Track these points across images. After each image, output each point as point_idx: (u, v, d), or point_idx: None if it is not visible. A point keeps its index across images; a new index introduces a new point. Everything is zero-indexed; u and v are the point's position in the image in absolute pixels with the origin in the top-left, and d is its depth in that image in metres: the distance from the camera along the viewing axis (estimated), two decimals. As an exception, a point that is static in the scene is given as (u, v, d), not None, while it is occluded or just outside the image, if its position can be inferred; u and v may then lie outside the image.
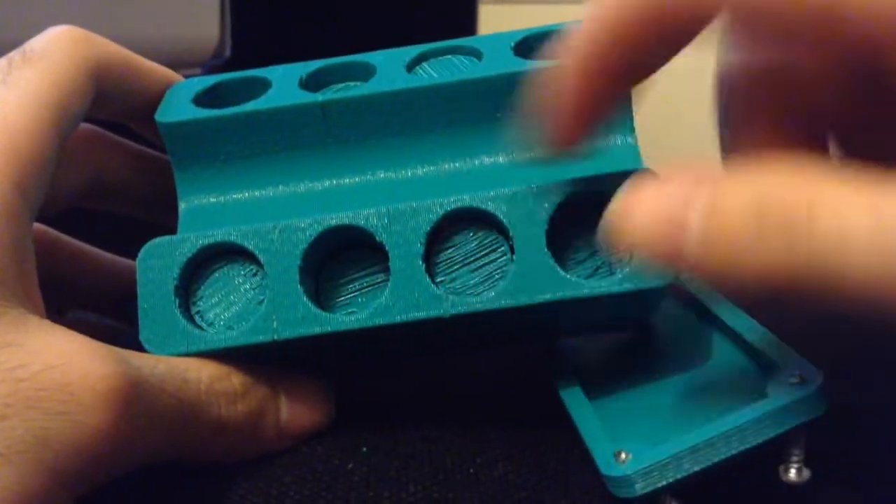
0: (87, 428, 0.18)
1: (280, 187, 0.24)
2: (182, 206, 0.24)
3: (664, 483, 0.19)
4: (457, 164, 0.24)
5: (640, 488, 0.19)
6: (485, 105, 0.23)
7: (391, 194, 0.23)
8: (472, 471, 0.21)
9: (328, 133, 0.24)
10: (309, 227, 0.22)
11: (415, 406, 0.23)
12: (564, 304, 0.21)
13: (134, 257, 0.23)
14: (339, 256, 0.23)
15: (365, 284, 0.22)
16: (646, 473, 0.19)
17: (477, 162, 0.24)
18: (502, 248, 0.22)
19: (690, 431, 0.20)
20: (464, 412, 0.25)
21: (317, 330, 0.21)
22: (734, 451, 0.19)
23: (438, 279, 0.22)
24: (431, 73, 0.24)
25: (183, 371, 0.21)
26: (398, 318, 0.21)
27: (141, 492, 0.21)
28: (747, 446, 0.19)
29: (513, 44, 0.24)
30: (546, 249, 0.21)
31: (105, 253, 0.30)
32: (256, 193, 0.24)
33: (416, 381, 0.24)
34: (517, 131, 0.22)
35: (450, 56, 0.25)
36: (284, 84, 0.24)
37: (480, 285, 0.22)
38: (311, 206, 0.23)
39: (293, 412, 0.23)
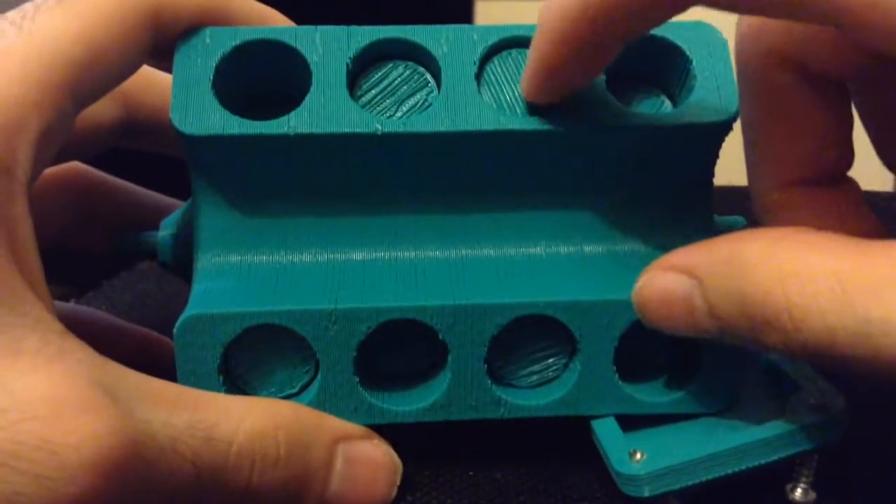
0: (68, 498, 0.15)
1: (321, 216, 0.21)
2: (204, 224, 0.21)
3: (675, 488, 0.19)
4: (528, 225, 0.21)
5: (650, 490, 0.19)
6: (566, 157, 0.21)
7: (448, 257, 0.21)
8: (471, 473, 0.21)
9: (382, 163, 0.21)
10: (367, 317, 0.20)
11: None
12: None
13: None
14: (392, 334, 0.21)
15: (420, 371, 0.21)
16: (658, 476, 0.19)
17: (547, 223, 0.21)
18: (562, 356, 0.21)
19: (707, 441, 0.20)
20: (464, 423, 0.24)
21: (368, 422, 0.20)
22: (746, 466, 0.19)
23: (496, 372, 0.21)
24: (504, 88, 0.21)
25: (211, 426, 0.18)
26: (453, 418, 0.20)
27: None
28: (759, 463, 0.19)
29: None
30: (612, 366, 0.21)
31: (145, 190, 0.26)
32: (293, 230, 0.21)
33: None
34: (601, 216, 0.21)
35: (526, 51, 0.21)
36: (328, 76, 0.20)
37: (535, 379, 0.21)
38: (358, 260, 0.21)
39: (348, 484, 0.20)
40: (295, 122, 0.20)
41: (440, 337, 0.20)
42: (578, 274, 0.21)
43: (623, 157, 0.21)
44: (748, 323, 0.17)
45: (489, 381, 0.20)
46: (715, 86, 0.21)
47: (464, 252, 0.21)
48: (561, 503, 0.20)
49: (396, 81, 0.21)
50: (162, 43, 0.20)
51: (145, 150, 0.25)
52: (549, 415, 0.21)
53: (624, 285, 0.20)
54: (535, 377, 0.21)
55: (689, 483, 0.19)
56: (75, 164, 0.24)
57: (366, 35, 0.21)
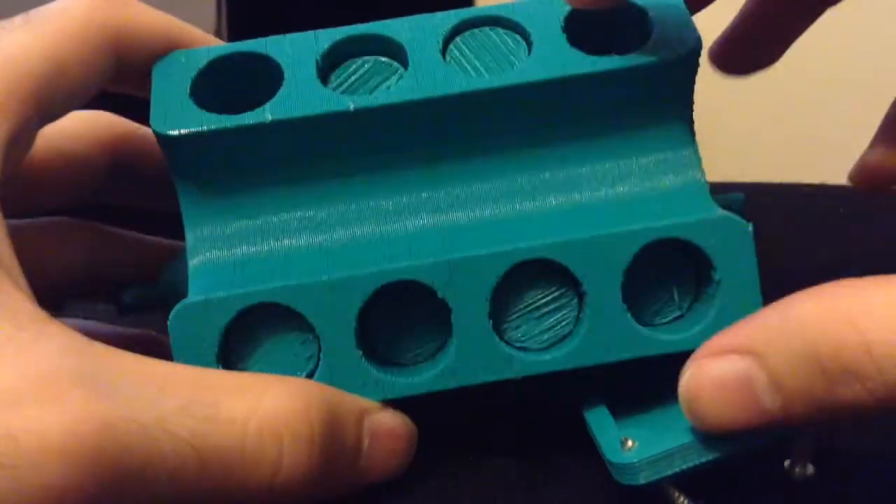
0: (39, 489, 0.14)
1: (312, 208, 0.21)
2: (190, 235, 0.21)
3: (669, 473, 0.19)
4: (503, 184, 0.21)
5: (645, 477, 0.19)
6: (539, 112, 0.21)
7: (438, 222, 0.21)
8: (471, 458, 0.21)
9: (357, 143, 0.21)
10: (362, 282, 0.19)
11: (417, 400, 0.22)
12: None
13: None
14: (389, 301, 0.20)
15: (424, 340, 0.21)
16: (651, 462, 0.19)
17: (533, 180, 0.21)
18: (570, 299, 0.20)
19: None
20: (464, 405, 0.24)
21: (378, 397, 0.20)
22: (740, 448, 0.19)
23: (502, 331, 0.20)
24: (471, 60, 0.21)
25: (211, 405, 0.17)
26: (465, 382, 0.20)
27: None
28: (755, 444, 0.19)
29: (561, 21, 0.21)
30: (622, 304, 0.20)
31: (144, 236, 0.26)
32: (278, 217, 0.21)
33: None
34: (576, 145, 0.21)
35: (488, 29, 0.21)
36: (299, 72, 0.21)
37: (547, 337, 0.20)
38: (346, 235, 0.21)
39: (374, 457, 0.19)
40: (271, 111, 0.20)
41: (439, 295, 0.19)
42: (571, 218, 0.21)
43: (595, 104, 0.21)
44: (823, 380, 0.16)
45: (496, 338, 0.20)
46: (674, 23, 0.21)
47: (452, 214, 0.21)
48: (559, 490, 0.20)
49: (366, 73, 0.22)
50: (125, 67, 0.21)
51: (132, 204, 0.26)
52: (565, 368, 0.20)
53: (619, 222, 0.20)
54: (546, 336, 0.20)
55: (684, 467, 0.19)
56: (102, 114, 0.24)
57: (332, 34, 0.22)
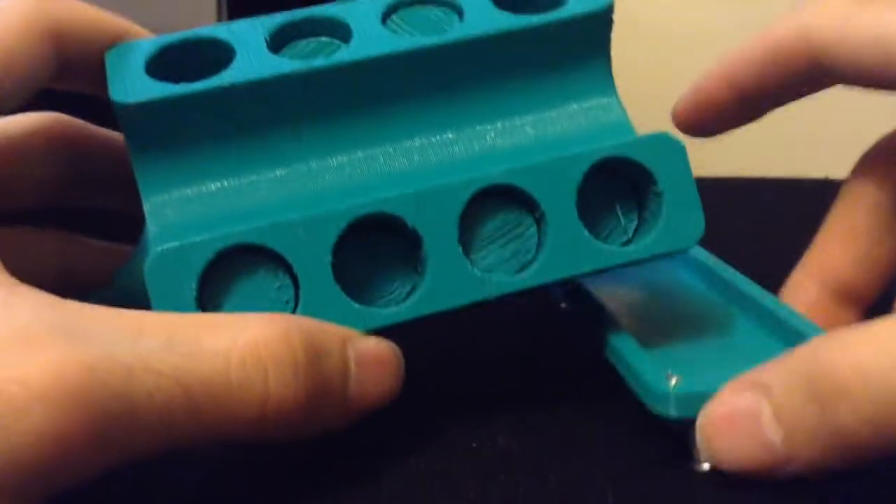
0: (24, 436, 0.14)
1: (268, 170, 0.22)
2: (148, 204, 0.21)
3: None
4: (452, 134, 0.23)
5: (681, 411, 0.19)
6: (475, 68, 0.23)
7: (394, 170, 0.22)
8: (474, 444, 0.21)
9: (312, 105, 0.22)
10: (335, 218, 0.20)
11: (418, 379, 0.23)
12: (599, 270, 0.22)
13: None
14: (360, 240, 0.21)
15: (397, 280, 0.21)
16: (693, 398, 0.19)
17: (474, 129, 0.23)
18: (527, 222, 0.22)
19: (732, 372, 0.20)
20: (466, 384, 0.24)
21: (360, 327, 0.20)
22: None
23: (472, 262, 0.21)
24: (410, 31, 0.23)
25: (193, 340, 0.17)
26: (442, 307, 0.20)
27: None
28: None
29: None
30: (579, 221, 0.21)
31: (109, 243, 0.26)
32: (240, 178, 0.22)
33: (418, 352, 0.24)
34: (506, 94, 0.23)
35: (421, 7, 0.24)
36: (250, 47, 0.22)
37: (512, 261, 0.22)
38: (308, 190, 0.22)
39: (363, 384, 0.19)
40: (229, 77, 0.21)
41: (409, 225, 0.20)
42: (518, 156, 0.22)
43: (524, 58, 0.23)
44: (816, 406, 0.17)
45: (468, 264, 0.21)
46: None
47: (408, 161, 0.22)
48: (570, 472, 0.20)
49: (311, 52, 0.23)
50: (68, 61, 0.21)
51: (93, 206, 0.26)
52: (535, 284, 0.21)
53: (565, 148, 0.22)
54: (512, 263, 0.22)
55: None
56: (56, 115, 0.24)
57: (277, 18, 0.23)
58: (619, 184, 0.23)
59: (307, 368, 0.17)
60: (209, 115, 0.21)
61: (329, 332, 0.19)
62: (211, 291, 0.20)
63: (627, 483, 0.19)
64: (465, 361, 0.26)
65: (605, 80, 0.24)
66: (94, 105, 0.24)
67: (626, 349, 0.22)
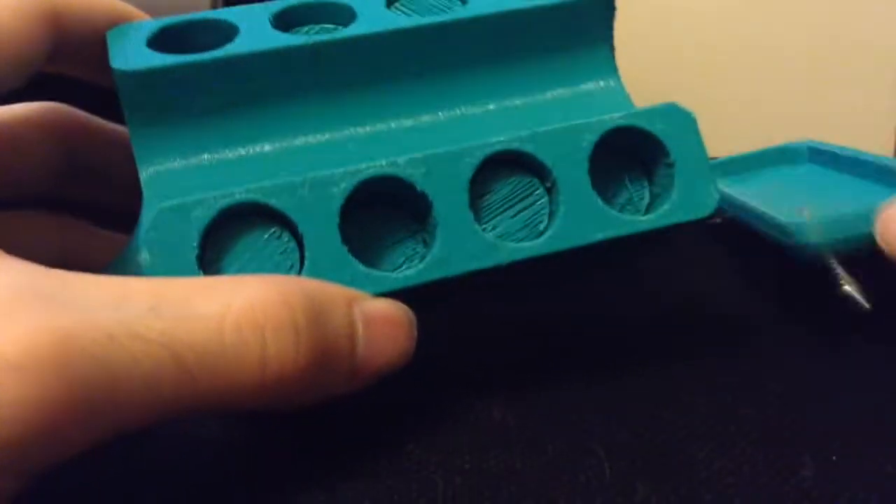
0: (1, 404, 0.13)
1: (268, 143, 0.21)
2: (144, 173, 0.20)
3: (839, 237, 0.23)
4: (457, 111, 0.23)
5: (817, 237, 0.23)
6: (478, 47, 0.23)
7: (397, 145, 0.22)
8: (471, 417, 0.21)
9: (317, 80, 0.22)
10: (342, 179, 0.19)
11: (422, 366, 0.22)
12: (613, 241, 0.21)
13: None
14: (367, 208, 0.20)
15: (405, 237, 0.21)
16: (824, 225, 0.23)
17: (477, 107, 0.23)
18: (538, 192, 0.21)
19: (863, 197, 0.25)
20: (461, 355, 0.24)
21: (369, 290, 0.19)
22: None
23: (482, 227, 0.21)
24: (415, 14, 0.23)
25: (182, 302, 0.16)
26: (454, 271, 0.20)
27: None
28: None
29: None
30: (592, 190, 0.21)
31: (113, 233, 0.25)
32: (240, 151, 0.21)
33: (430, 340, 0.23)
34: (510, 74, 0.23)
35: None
36: (254, 26, 0.22)
37: (523, 230, 0.21)
38: (310, 164, 0.21)
39: (372, 346, 0.18)
40: (232, 48, 0.21)
41: (418, 189, 0.20)
42: (531, 117, 0.23)
43: (528, 38, 0.23)
44: None
45: (479, 228, 0.20)
46: None
47: (415, 137, 0.22)
48: (567, 443, 0.20)
49: (316, 34, 0.23)
50: (64, 42, 0.21)
51: (93, 199, 0.25)
52: (547, 251, 0.21)
53: (576, 118, 0.22)
54: (523, 233, 0.21)
55: (851, 234, 0.23)
56: (53, 104, 0.24)
57: (282, 3, 0.23)
58: (627, 157, 0.23)
59: (309, 330, 0.16)
60: (211, 87, 0.21)
61: (333, 292, 0.18)
62: (212, 254, 0.19)
63: (625, 454, 0.19)
64: (460, 332, 0.26)
65: (607, 62, 0.24)
66: (91, 96, 0.24)
67: (754, 201, 0.25)
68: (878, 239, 0.23)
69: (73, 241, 0.24)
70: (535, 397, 0.22)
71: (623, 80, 0.24)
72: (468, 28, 0.23)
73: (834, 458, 0.19)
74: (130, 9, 0.23)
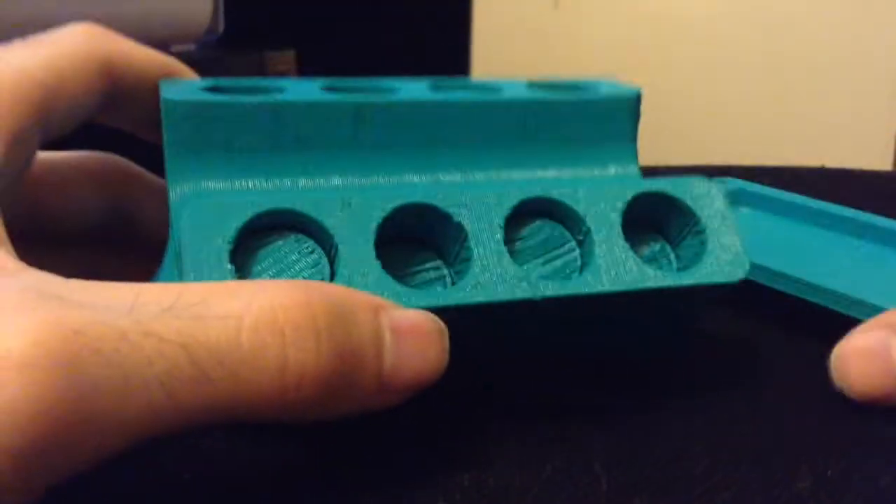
0: (5, 398, 0.13)
1: (304, 179, 0.22)
2: (174, 194, 0.21)
3: None
4: (486, 174, 0.24)
5: None
6: (507, 126, 0.24)
7: (431, 190, 0.22)
8: (468, 436, 0.21)
9: (356, 135, 0.22)
10: (382, 203, 0.20)
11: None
12: (642, 298, 0.21)
13: None
14: (395, 243, 0.20)
15: (432, 272, 0.21)
16: None
17: (504, 174, 0.24)
18: (570, 244, 0.22)
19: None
20: (460, 374, 0.25)
21: (404, 304, 0.19)
22: None
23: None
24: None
25: (200, 302, 0.15)
26: (492, 297, 0.20)
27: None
28: None
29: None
30: (625, 243, 0.21)
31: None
32: (275, 182, 0.22)
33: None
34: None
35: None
36: (302, 87, 0.23)
37: (555, 277, 0.21)
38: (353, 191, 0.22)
39: (401, 357, 0.17)
40: (281, 96, 0.22)
41: (454, 220, 0.20)
42: (558, 183, 0.24)
43: (561, 126, 0.24)
44: None
45: (513, 262, 0.20)
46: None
47: (437, 177, 0.23)
48: (564, 460, 0.20)
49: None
50: (116, 93, 0.22)
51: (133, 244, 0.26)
52: (576, 293, 0.21)
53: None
54: (549, 269, 0.22)
55: None
56: (104, 155, 0.25)
57: (332, 81, 0.24)
58: (649, 226, 0.23)
59: (331, 335, 0.16)
60: (254, 127, 0.21)
61: (358, 298, 0.17)
62: (242, 259, 0.19)
63: (622, 469, 0.20)
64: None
65: (629, 152, 0.25)
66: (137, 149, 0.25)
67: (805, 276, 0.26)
68: (834, 376, 0.22)
69: (126, 188, 0.25)
70: (533, 412, 0.22)
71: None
72: (500, 108, 0.23)
73: (829, 472, 0.20)
74: (184, 68, 0.24)
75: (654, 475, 0.19)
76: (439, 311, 0.18)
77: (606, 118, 0.25)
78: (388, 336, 0.17)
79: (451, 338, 0.18)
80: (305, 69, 1.08)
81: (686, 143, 1.79)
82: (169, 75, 0.23)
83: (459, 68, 1.42)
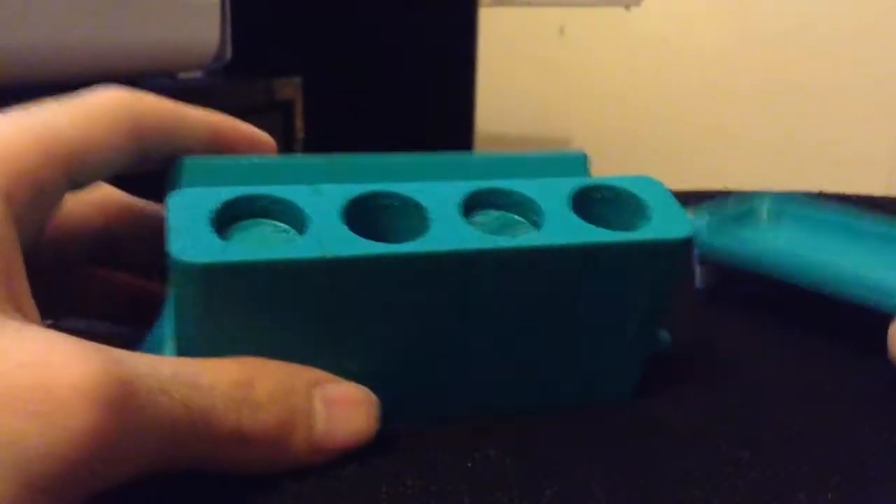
0: (69, 431, 0.17)
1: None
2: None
3: None
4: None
5: None
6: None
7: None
8: (468, 464, 0.21)
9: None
10: (345, 191, 0.21)
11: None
12: (596, 259, 0.22)
13: None
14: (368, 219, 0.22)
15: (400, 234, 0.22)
16: None
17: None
18: (526, 225, 0.23)
19: None
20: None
21: (365, 251, 0.20)
22: None
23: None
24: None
25: (194, 375, 0.20)
26: (446, 247, 0.21)
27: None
28: None
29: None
30: (578, 217, 0.22)
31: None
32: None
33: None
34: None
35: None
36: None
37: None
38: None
39: (331, 424, 0.21)
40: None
41: (414, 200, 0.21)
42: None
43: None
44: None
45: (469, 225, 0.21)
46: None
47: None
48: (564, 485, 0.20)
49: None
50: (145, 156, 0.23)
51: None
52: (529, 245, 0.21)
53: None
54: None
55: None
56: (107, 191, 0.27)
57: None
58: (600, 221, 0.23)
59: (269, 406, 0.20)
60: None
61: (297, 374, 0.21)
62: (224, 230, 0.21)
63: (623, 494, 0.20)
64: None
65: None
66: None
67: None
68: (891, 350, 0.24)
69: (118, 214, 0.27)
70: (532, 438, 0.22)
71: (618, 113, 0.25)
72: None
73: (829, 496, 0.20)
74: (189, 110, 0.24)
75: (655, 501, 0.19)
76: (399, 261, 0.20)
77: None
78: (319, 406, 0.21)
79: (413, 296, 0.21)
80: (311, 96, 1.09)
81: (687, 167, 1.80)
82: (201, 134, 0.24)
83: (465, 94, 1.43)
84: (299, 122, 1.08)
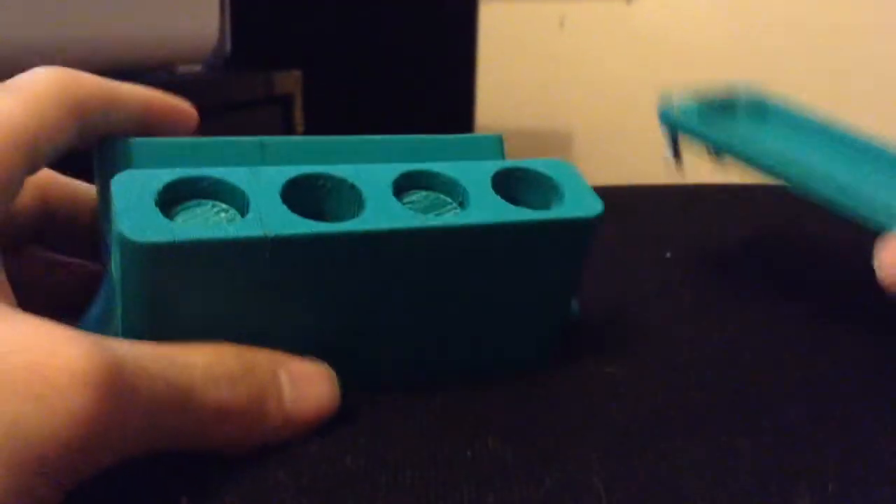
0: (66, 413, 0.17)
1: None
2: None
3: None
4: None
5: None
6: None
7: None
8: (469, 454, 0.22)
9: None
10: (282, 173, 0.22)
11: (408, 392, 0.23)
12: (516, 236, 0.23)
13: None
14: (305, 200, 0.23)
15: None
16: None
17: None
18: (452, 205, 0.24)
19: None
20: (459, 397, 0.25)
21: (305, 230, 0.21)
22: None
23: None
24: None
25: (172, 356, 0.20)
26: (382, 226, 0.22)
27: (125, 485, 0.20)
28: None
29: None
30: (498, 197, 0.23)
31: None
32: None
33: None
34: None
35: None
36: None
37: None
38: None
39: (298, 395, 0.22)
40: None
41: (348, 182, 0.23)
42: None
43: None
44: None
45: (402, 207, 0.22)
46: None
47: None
48: (560, 472, 0.20)
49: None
50: (85, 127, 0.23)
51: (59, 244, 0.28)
52: (456, 223, 0.23)
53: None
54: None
55: None
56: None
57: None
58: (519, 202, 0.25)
59: (243, 378, 0.21)
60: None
61: (261, 354, 0.22)
62: (168, 205, 0.21)
63: (622, 486, 0.20)
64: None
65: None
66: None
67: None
68: (878, 269, 0.24)
69: (53, 192, 0.27)
70: (532, 429, 0.22)
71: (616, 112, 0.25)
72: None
73: (830, 487, 0.20)
74: (123, 86, 0.24)
75: (654, 492, 0.20)
76: (337, 239, 0.21)
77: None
78: (285, 378, 0.22)
79: (350, 272, 0.22)
80: (311, 89, 1.09)
81: (687, 160, 1.79)
82: (113, 98, 0.24)
83: (465, 87, 1.43)
84: (299, 116, 1.08)
